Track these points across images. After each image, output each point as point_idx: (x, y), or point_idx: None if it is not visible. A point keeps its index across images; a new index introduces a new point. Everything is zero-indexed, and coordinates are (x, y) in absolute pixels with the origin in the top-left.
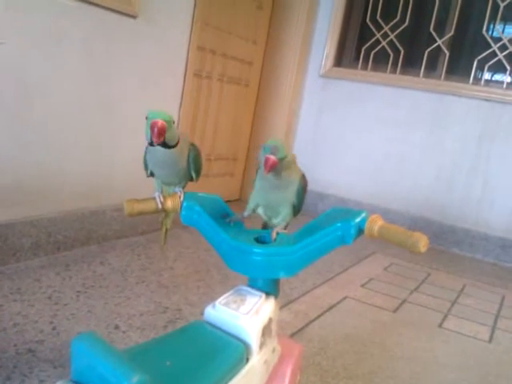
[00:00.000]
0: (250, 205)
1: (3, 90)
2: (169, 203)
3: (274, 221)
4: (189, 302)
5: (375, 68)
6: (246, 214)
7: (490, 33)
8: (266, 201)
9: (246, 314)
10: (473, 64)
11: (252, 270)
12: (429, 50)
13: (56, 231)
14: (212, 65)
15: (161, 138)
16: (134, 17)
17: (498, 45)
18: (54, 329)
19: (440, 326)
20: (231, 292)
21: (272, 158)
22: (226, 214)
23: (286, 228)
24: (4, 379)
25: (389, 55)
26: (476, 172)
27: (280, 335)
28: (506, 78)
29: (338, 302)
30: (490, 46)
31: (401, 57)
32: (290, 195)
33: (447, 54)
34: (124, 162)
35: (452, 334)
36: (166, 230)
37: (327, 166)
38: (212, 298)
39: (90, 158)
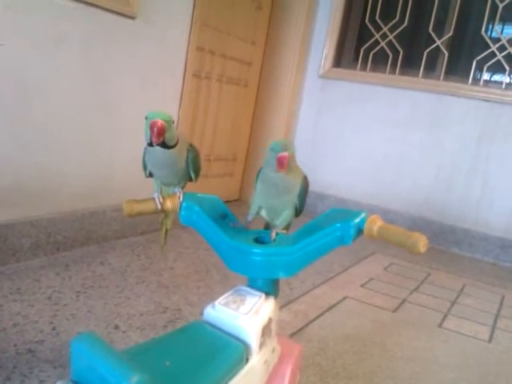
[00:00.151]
0: (253, 208)
1: (2, 91)
2: (168, 204)
3: (276, 222)
4: (189, 302)
5: (374, 68)
6: (250, 218)
7: (489, 33)
8: (269, 204)
9: (245, 314)
10: (472, 64)
11: (251, 270)
12: (428, 50)
13: (56, 231)
14: (211, 65)
15: (160, 137)
16: (132, 17)
17: (497, 45)
18: (53, 329)
19: (440, 325)
20: (231, 292)
21: (285, 154)
22: (225, 215)
23: (287, 229)
24: (4, 379)
25: (388, 56)
26: (475, 172)
27: (280, 335)
28: (505, 79)
29: (338, 302)
30: (488, 47)
31: (400, 57)
32: (293, 198)
33: (446, 55)
34: (123, 162)
35: (452, 333)
36: (166, 230)
37: (327, 167)
38: (212, 298)
39: (89, 158)
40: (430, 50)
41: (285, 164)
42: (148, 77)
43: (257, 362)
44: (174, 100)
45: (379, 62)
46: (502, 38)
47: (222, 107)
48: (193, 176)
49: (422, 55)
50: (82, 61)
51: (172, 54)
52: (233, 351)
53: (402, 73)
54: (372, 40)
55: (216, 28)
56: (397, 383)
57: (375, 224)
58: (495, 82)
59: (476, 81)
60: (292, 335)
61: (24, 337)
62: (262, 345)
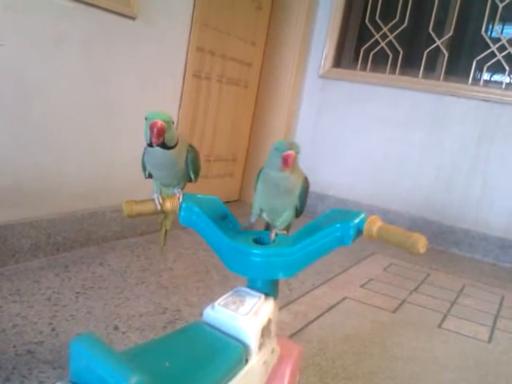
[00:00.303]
0: (255, 209)
1: (2, 91)
2: (168, 204)
3: (277, 222)
4: (188, 302)
5: (374, 69)
6: (253, 220)
7: (489, 33)
8: (270, 204)
9: (245, 315)
10: (472, 64)
11: (251, 271)
12: (428, 50)
13: (55, 232)
14: (211, 66)
15: (160, 138)
16: (132, 18)
17: (497, 45)
18: (53, 330)
19: (439, 326)
20: (230, 293)
21: (292, 152)
22: (225, 215)
23: (288, 230)
24: (3, 380)
25: (388, 56)
26: (475, 172)
27: (279, 336)
28: (505, 79)
29: (338, 303)
30: (488, 47)
31: (400, 57)
32: (294, 199)
33: (446, 55)
34: (123, 163)
35: (451, 334)
36: (166, 231)
37: (327, 167)
38: (211, 299)
39: (89, 159)
40: (430, 50)
41: (290, 162)
42: (148, 77)
43: (256, 362)
44: (173, 100)
45: (379, 62)
46: (501, 38)
47: (222, 108)
48: (192, 177)
49: (422, 55)
50: (82, 61)
51: (172, 55)
52: (232, 352)
53: (402, 73)
54: (372, 40)
55: (216, 28)
56: (396, 383)
57: (375, 224)
58: (495, 82)
59: (476, 81)
60: (291, 336)
61: (23, 338)
62: (261, 345)
